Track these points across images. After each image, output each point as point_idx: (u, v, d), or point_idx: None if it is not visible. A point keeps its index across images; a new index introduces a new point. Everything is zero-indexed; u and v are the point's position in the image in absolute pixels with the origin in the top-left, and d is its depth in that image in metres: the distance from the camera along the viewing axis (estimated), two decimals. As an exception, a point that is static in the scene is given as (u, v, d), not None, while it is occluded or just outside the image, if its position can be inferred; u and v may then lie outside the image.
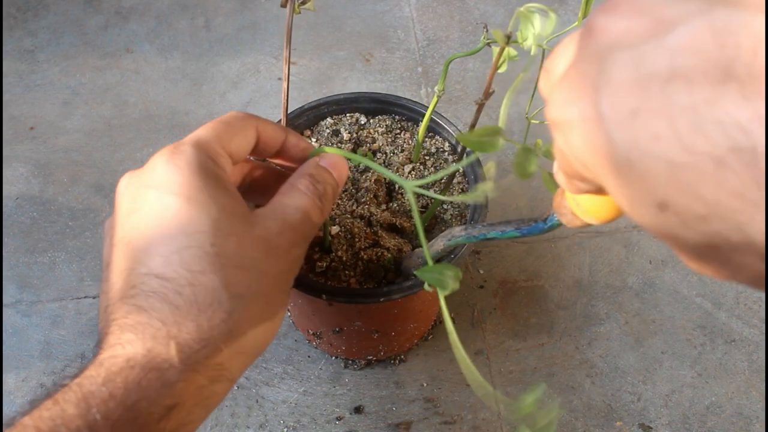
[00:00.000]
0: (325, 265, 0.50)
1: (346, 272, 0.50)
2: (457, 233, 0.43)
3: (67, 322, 0.71)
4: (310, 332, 0.65)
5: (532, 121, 0.45)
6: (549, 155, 0.43)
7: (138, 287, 0.28)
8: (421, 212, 0.54)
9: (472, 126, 0.45)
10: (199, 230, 0.28)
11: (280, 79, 0.91)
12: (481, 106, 0.42)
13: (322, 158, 0.36)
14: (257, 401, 0.66)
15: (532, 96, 0.46)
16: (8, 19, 0.97)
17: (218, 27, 0.96)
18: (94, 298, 0.73)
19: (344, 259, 0.50)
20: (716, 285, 0.74)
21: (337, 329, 0.59)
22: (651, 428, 0.65)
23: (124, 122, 0.87)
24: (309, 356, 0.69)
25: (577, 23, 0.40)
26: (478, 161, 0.54)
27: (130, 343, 0.27)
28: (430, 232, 0.54)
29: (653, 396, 0.67)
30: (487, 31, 0.43)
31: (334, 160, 0.36)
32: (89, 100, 0.89)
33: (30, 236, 0.77)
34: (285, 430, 0.65)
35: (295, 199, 0.33)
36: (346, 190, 0.55)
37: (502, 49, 0.36)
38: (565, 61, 0.20)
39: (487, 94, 0.40)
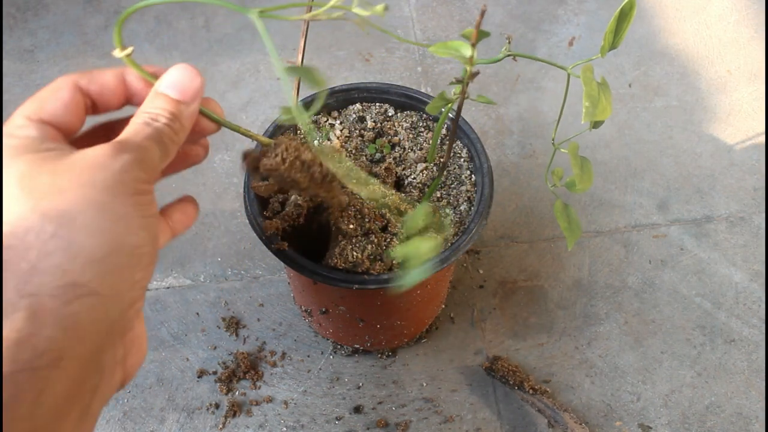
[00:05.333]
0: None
1: (354, 253, 0.50)
2: None
3: (67, 322, 0.71)
4: (302, 308, 0.66)
5: (561, 150, 0.45)
6: (571, 186, 0.44)
7: None
8: (417, 201, 0.54)
9: (460, 106, 0.45)
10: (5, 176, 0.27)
11: (280, 79, 0.91)
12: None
13: (161, 82, 0.33)
14: (257, 401, 0.66)
15: (558, 121, 0.47)
16: (8, 19, 0.97)
17: (218, 27, 0.96)
18: (93, 298, 0.73)
19: (354, 239, 0.51)
20: (716, 285, 0.74)
21: (323, 309, 0.61)
22: (650, 428, 0.65)
23: (123, 122, 0.87)
24: (309, 356, 0.69)
25: (601, 55, 0.40)
26: (483, 151, 0.55)
27: None
28: (427, 233, 0.54)
29: (653, 396, 0.67)
30: (509, 42, 0.43)
31: (175, 79, 0.33)
32: (89, 100, 0.89)
33: (30, 236, 0.77)
34: (285, 430, 0.65)
35: (134, 133, 0.31)
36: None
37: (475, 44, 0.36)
38: None
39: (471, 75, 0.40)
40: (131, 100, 0.34)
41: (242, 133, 0.37)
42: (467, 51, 0.37)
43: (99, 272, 0.26)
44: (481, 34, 0.37)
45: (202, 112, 0.35)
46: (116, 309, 0.27)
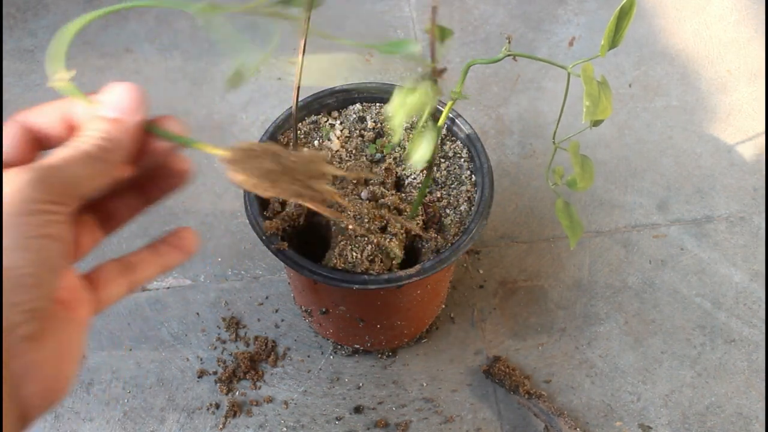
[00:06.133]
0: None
1: (354, 253, 0.50)
2: None
3: (67, 322, 0.71)
4: (302, 308, 0.67)
5: (561, 148, 0.45)
6: (572, 185, 0.44)
7: None
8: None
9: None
10: None
11: (279, 79, 0.91)
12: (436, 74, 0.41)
13: (102, 106, 0.33)
14: (257, 401, 0.66)
15: (558, 120, 0.47)
16: (8, 19, 0.97)
17: (218, 27, 0.96)
18: (93, 298, 0.73)
19: (354, 239, 0.51)
20: (716, 285, 0.74)
21: (323, 309, 0.61)
22: (650, 428, 0.65)
23: (123, 122, 0.87)
24: (309, 356, 0.69)
25: (601, 54, 0.40)
26: (484, 151, 0.55)
27: None
28: (426, 232, 0.54)
29: (653, 396, 0.67)
30: (509, 42, 0.43)
31: (111, 99, 0.33)
32: (89, 100, 0.89)
33: (30, 236, 0.77)
34: (285, 430, 0.65)
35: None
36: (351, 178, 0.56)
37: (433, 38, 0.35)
38: None
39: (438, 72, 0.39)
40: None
41: (200, 148, 0.35)
42: (415, 48, 0.37)
43: None
44: (445, 32, 0.37)
45: (153, 131, 0.33)
46: None
